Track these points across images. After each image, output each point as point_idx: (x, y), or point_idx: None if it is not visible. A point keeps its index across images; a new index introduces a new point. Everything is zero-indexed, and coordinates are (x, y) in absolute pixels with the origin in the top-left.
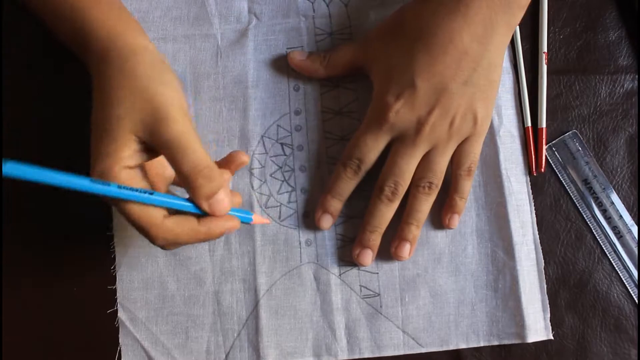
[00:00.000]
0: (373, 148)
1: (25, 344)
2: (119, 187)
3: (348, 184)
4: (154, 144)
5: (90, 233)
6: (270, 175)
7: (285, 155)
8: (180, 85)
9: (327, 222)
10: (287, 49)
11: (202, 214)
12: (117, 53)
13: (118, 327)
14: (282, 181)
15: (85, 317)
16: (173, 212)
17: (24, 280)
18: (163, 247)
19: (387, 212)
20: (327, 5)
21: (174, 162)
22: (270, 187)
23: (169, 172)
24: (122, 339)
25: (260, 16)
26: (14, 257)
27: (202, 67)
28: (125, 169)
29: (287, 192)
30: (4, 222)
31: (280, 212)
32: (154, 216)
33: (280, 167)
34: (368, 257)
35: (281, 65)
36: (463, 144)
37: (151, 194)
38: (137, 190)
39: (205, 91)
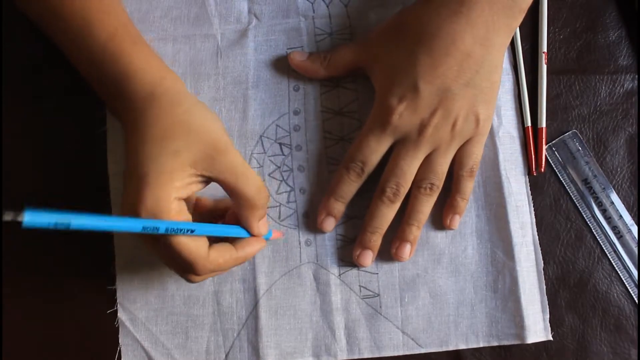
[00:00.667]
0: (376, 150)
1: (25, 344)
2: (167, 228)
3: (351, 187)
4: (213, 174)
5: (90, 233)
6: (269, 175)
7: (283, 155)
8: (220, 120)
9: (329, 224)
10: (287, 49)
11: (235, 238)
12: (164, 94)
13: (118, 327)
14: (281, 181)
15: (85, 317)
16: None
17: (24, 280)
18: (193, 281)
19: (388, 213)
20: (327, 6)
21: (236, 187)
22: (269, 187)
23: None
24: (122, 339)
25: (260, 16)
26: (14, 256)
27: (202, 68)
28: (175, 201)
29: (286, 192)
30: (4, 222)
31: (279, 212)
32: (202, 249)
33: (279, 167)
34: (368, 258)
35: (281, 65)
36: (465, 146)
37: (193, 230)
38: (183, 227)
39: (205, 91)
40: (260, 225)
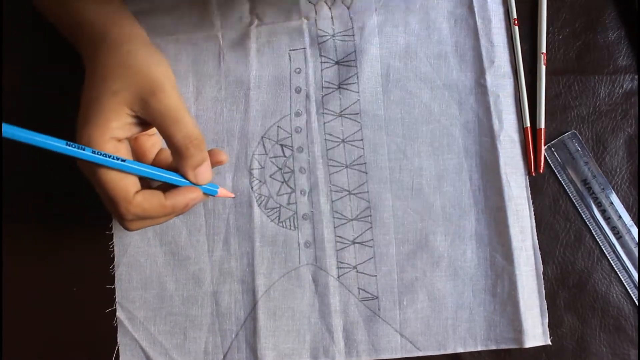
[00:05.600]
0: None
1: (24, 343)
2: (94, 151)
3: None
4: (147, 116)
5: (90, 232)
6: (270, 177)
7: (285, 156)
8: (169, 65)
9: None
10: (290, 50)
11: (172, 186)
12: (113, 38)
13: (116, 327)
14: (282, 182)
15: (84, 316)
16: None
17: (24, 279)
18: (128, 228)
19: None
20: (330, 7)
21: (167, 132)
22: (269, 189)
23: (149, 156)
24: (121, 338)
25: (263, 17)
26: (14, 256)
27: (205, 68)
28: (112, 140)
29: (286, 193)
30: (4, 221)
31: (279, 213)
32: (126, 189)
33: (280, 169)
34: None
35: (283, 66)
36: None
37: (123, 160)
38: (111, 156)
39: (207, 92)
40: (198, 174)
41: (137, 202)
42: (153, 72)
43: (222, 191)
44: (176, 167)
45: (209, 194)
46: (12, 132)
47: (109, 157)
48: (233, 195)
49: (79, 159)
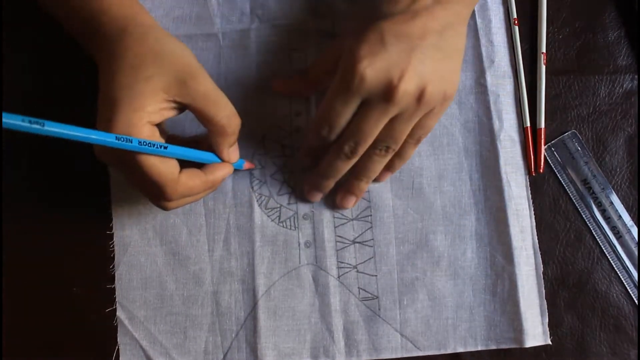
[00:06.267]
0: (342, 114)
1: (24, 343)
2: (141, 142)
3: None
4: (186, 99)
5: (90, 231)
6: (271, 176)
7: (285, 156)
8: None
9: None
10: (290, 50)
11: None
12: (138, 27)
13: (116, 326)
14: (282, 182)
15: (84, 315)
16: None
17: (24, 279)
18: (168, 207)
19: (343, 167)
20: (330, 7)
21: (209, 112)
22: (270, 188)
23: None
24: (121, 338)
25: (263, 17)
26: (14, 255)
27: (204, 68)
28: (148, 125)
29: (287, 193)
30: (4, 221)
31: (280, 213)
32: (171, 171)
33: (281, 169)
34: (318, 197)
35: (284, 67)
36: (424, 116)
37: (166, 147)
38: (156, 144)
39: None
40: (231, 152)
41: (183, 182)
42: (187, 57)
43: (247, 164)
44: (210, 146)
45: (236, 168)
46: (54, 128)
47: (154, 145)
48: (253, 166)
49: (110, 150)
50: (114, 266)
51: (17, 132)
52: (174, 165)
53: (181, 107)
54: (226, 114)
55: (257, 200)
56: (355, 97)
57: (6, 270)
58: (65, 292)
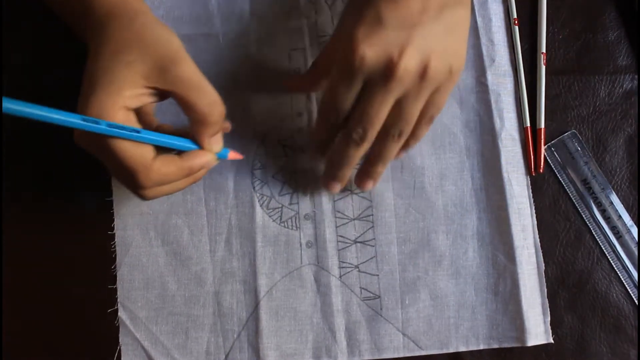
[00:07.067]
0: (346, 98)
1: (25, 343)
2: (109, 124)
3: (331, 137)
4: (168, 85)
5: (92, 232)
6: (272, 177)
7: (286, 157)
8: None
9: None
10: (290, 50)
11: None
12: (124, 12)
13: (118, 327)
14: (283, 183)
15: (86, 315)
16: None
17: (25, 279)
18: (145, 196)
19: (355, 155)
20: (329, 7)
21: (190, 99)
22: (271, 189)
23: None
24: (122, 338)
25: (262, 17)
26: (15, 255)
27: (204, 68)
28: (123, 109)
29: (288, 193)
30: (4, 221)
31: (281, 213)
32: (144, 156)
33: (282, 169)
34: (337, 187)
35: (283, 67)
36: (433, 94)
37: (138, 132)
38: (127, 128)
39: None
40: (212, 142)
41: (156, 168)
42: (172, 43)
43: (232, 154)
44: (192, 135)
45: (220, 157)
46: (16, 107)
47: (124, 129)
48: (242, 157)
49: (86, 133)
50: (115, 266)
51: (17, 131)
52: (148, 151)
53: (162, 94)
54: (208, 102)
55: (258, 201)
56: (357, 78)
57: (7, 270)
58: (66, 293)
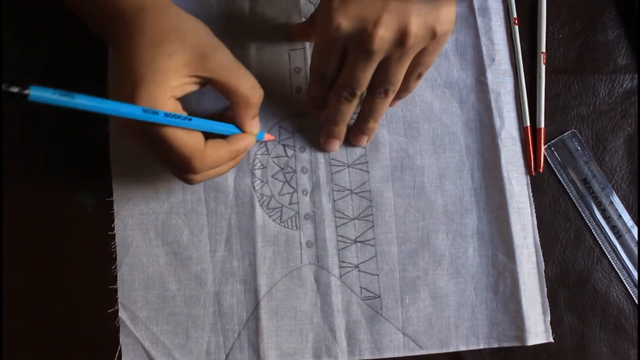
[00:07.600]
0: (329, 62)
1: (25, 343)
2: (167, 114)
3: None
4: (209, 72)
5: (92, 232)
6: (272, 177)
7: (287, 156)
8: None
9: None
10: (290, 50)
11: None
12: (154, 5)
13: (119, 327)
14: (284, 182)
15: (86, 316)
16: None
17: (25, 279)
18: (193, 181)
19: (347, 110)
20: None
21: (233, 84)
22: (271, 188)
23: None
24: (123, 339)
25: (263, 17)
26: (15, 256)
27: None
28: (171, 99)
29: (288, 193)
30: (4, 221)
31: (281, 213)
32: (198, 142)
33: (282, 169)
34: (335, 145)
35: (283, 66)
36: (419, 54)
37: (190, 119)
38: (181, 117)
39: (207, 91)
40: (253, 124)
41: (208, 153)
42: (207, 32)
43: (267, 136)
44: (233, 118)
45: (258, 139)
46: (83, 101)
47: (180, 117)
48: (273, 137)
49: (138, 124)
50: (115, 266)
51: (17, 131)
52: (200, 137)
53: (203, 82)
54: (249, 85)
55: (258, 201)
56: (335, 47)
57: (7, 270)
58: (66, 293)
